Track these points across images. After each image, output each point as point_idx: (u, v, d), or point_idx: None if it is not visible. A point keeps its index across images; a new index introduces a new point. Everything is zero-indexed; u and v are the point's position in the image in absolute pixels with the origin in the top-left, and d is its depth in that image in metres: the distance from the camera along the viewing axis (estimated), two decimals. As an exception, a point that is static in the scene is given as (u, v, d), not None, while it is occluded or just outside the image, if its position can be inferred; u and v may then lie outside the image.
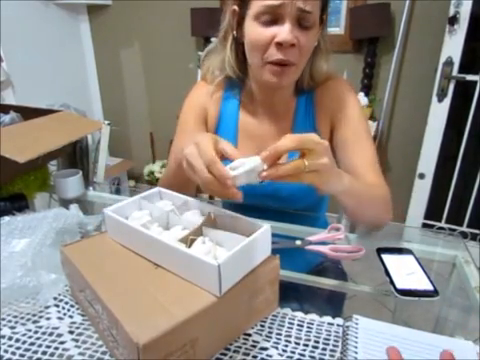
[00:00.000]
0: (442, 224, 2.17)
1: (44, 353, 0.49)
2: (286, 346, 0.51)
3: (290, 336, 0.52)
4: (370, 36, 2.02)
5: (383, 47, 2.07)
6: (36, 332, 0.53)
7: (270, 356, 0.49)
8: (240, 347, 0.50)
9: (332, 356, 0.50)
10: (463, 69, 1.88)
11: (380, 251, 0.69)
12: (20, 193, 0.87)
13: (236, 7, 0.74)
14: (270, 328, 0.54)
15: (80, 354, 0.49)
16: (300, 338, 0.52)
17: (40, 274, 0.58)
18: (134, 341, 0.40)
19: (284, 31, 0.67)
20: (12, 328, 0.53)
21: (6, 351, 0.49)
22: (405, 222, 2.17)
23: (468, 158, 2.02)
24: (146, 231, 0.53)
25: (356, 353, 0.48)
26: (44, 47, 2.43)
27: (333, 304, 0.69)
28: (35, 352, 0.49)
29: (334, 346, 0.51)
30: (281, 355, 0.49)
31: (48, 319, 0.55)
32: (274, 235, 0.56)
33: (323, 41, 0.78)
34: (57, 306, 0.58)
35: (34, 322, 0.54)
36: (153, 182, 2.72)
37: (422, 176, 2.09)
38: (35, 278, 0.58)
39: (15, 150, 0.78)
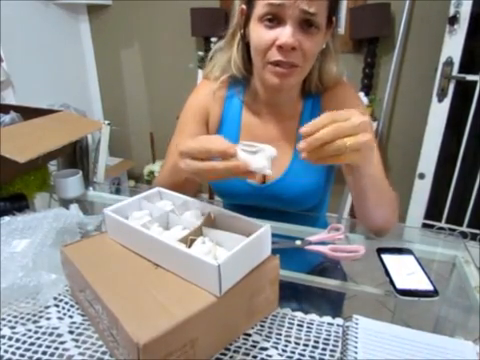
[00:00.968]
0: (442, 224, 2.17)
1: (44, 353, 0.49)
2: (286, 346, 0.51)
3: (290, 336, 0.52)
4: (370, 36, 2.02)
5: (383, 47, 2.07)
6: (36, 332, 0.53)
7: (270, 356, 0.49)
8: (240, 347, 0.50)
9: (332, 356, 0.50)
10: (463, 69, 1.88)
11: (380, 251, 0.69)
12: (20, 193, 0.87)
13: (244, 6, 0.73)
14: (270, 328, 0.54)
15: (80, 354, 0.49)
16: (300, 338, 0.52)
17: (40, 274, 0.59)
18: (134, 341, 0.40)
19: (285, 34, 0.66)
20: (12, 328, 0.53)
21: (6, 351, 0.49)
22: (405, 222, 2.17)
23: (468, 158, 2.02)
24: (146, 231, 0.53)
25: (356, 353, 0.48)
26: (44, 47, 2.43)
27: (333, 304, 0.69)
28: (35, 352, 0.49)
29: (334, 346, 0.51)
30: (281, 355, 0.49)
31: (48, 319, 0.55)
32: (274, 235, 0.56)
33: (332, 44, 0.77)
34: (57, 306, 0.58)
35: (34, 322, 0.54)
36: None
37: (422, 176, 2.09)
38: (35, 278, 0.58)
39: (15, 150, 0.78)
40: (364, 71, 2.12)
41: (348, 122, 0.51)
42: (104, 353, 0.49)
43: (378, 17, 1.95)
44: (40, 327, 0.53)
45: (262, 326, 0.54)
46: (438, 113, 1.96)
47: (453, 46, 1.84)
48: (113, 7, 2.62)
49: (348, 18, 2.06)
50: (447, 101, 1.94)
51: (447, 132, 1.98)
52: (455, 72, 1.89)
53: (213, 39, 2.30)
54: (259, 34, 0.69)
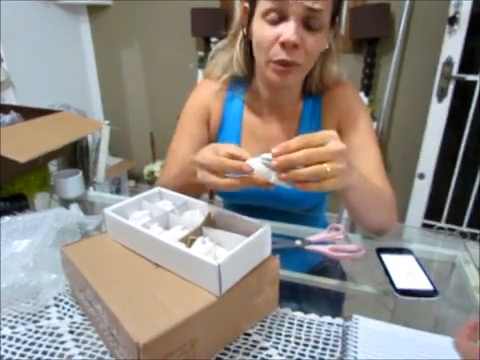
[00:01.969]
0: (442, 224, 2.18)
1: (44, 353, 0.49)
2: (286, 346, 0.51)
3: (290, 336, 0.52)
4: (370, 36, 2.02)
5: (383, 47, 2.07)
6: (36, 332, 0.53)
7: (270, 356, 0.49)
8: (240, 347, 0.51)
9: (332, 356, 0.50)
10: (463, 69, 1.88)
11: (380, 251, 0.69)
12: (20, 193, 0.87)
13: (247, 4, 0.73)
14: (270, 328, 0.54)
15: (80, 354, 0.49)
16: (300, 338, 0.52)
17: (40, 274, 0.59)
18: (134, 341, 0.40)
19: (288, 31, 0.65)
20: (12, 328, 0.53)
21: (6, 351, 0.49)
22: (405, 222, 2.17)
23: (468, 158, 2.02)
24: (146, 231, 0.54)
25: (356, 353, 0.48)
26: (44, 47, 2.43)
27: (333, 304, 0.69)
28: (35, 352, 0.49)
29: (334, 346, 0.51)
30: (281, 355, 0.49)
31: (48, 319, 0.55)
32: (274, 235, 0.56)
33: (335, 44, 0.77)
34: (57, 306, 0.58)
35: (34, 322, 0.55)
36: (153, 182, 2.72)
37: (422, 176, 2.09)
38: (35, 278, 0.58)
39: (15, 150, 0.78)
40: (364, 71, 2.12)
41: (323, 148, 0.50)
42: (104, 353, 0.49)
43: (378, 17, 1.95)
44: (40, 327, 0.54)
45: (262, 326, 0.54)
46: (438, 113, 1.96)
47: (453, 46, 1.84)
48: (113, 7, 2.62)
49: (348, 18, 2.06)
50: (447, 101, 1.94)
51: (447, 132, 1.98)
52: (455, 72, 1.89)
53: (213, 39, 2.30)
54: (262, 30, 0.68)
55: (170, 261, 0.51)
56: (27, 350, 0.50)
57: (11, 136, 0.84)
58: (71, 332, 0.53)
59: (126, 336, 0.41)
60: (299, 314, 0.57)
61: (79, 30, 2.71)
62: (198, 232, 0.56)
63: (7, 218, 0.72)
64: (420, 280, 0.62)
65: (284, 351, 0.50)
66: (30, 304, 0.58)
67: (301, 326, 0.54)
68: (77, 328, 0.53)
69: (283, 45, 0.66)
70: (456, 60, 1.86)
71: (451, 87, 1.92)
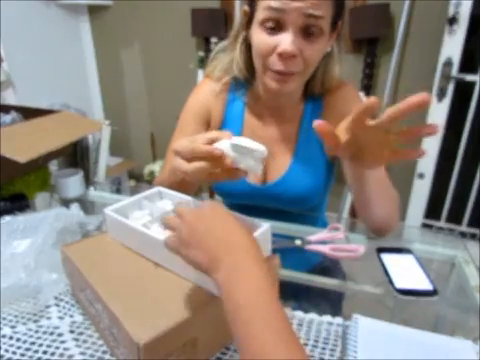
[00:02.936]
0: (442, 224, 2.18)
1: (45, 352, 0.49)
2: (286, 345, 0.51)
3: (290, 335, 0.53)
4: (370, 36, 2.02)
5: (383, 47, 2.07)
6: (37, 331, 0.53)
7: (270, 355, 0.49)
8: (240, 346, 0.51)
9: (332, 355, 0.50)
10: (463, 69, 1.88)
11: (380, 251, 0.70)
12: (21, 193, 0.87)
13: (247, 7, 0.72)
14: (270, 327, 0.54)
15: (81, 353, 0.49)
16: (300, 337, 0.52)
17: (41, 274, 0.59)
18: (134, 341, 0.40)
19: (285, 42, 0.64)
20: (13, 327, 0.53)
21: (7, 350, 0.49)
22: (405, 222, 2.17)
23: (467, 158, 2.02)
24: (146, 231, 0.54)
25: (356, 352, 0.49)
26: (44, 47, 2.43)
27: (333, 303, 0.69)
28: (36, 351, 0.49)
29: (334, 345, 0.51)
30: (281, 354, 0.49)
31: (49, 318, 0.55)
32: (274, 235, 0.56)
33: (337, 47, 0.76)
34: (58, 306, 0.58)
35: (35, 321, 0.55)
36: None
37: (421, 176, 2.09)
38: (36, 278, 0.58)
39: (15, 150, 0.78)
40: (364, 71, 2.12)
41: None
42: (104, 353, 0.49)
43: (378, 17, 1.95)
44: (41, 326, 0.54)
45: (262, 325, 0.54)
46: (437, 113, 1.96)
47: (452, 46, 1.84)
48: (113, 7, 2.62)
49: (348, 18, 2.06)
50: (446, 101, 1.94)
51: (446, 132, 1.98)
52: (454, 72, 1.89)
53: (213, 39, 2.30)
54: (260, 39, 0.68)
55: (170, 261, 0.51)
56: (27, 350, 0.50)
57: (11, 136, 0.84)
58: (71, 332, 0.53)
59: (126, 336, 0.41)
60: (299, 313, 0.57)
61: (79, 30, 2.71)
62: (198, 232, 0.56)
63: (7, 218, 0.72)
64: (420, 280, 0.62)
65: (284, 351, 0.50)
66: (30, 304, 0.58)
67: (301, 325, 0.55)
68: (77, 328, 0.53)
69: (280, 55, 0.66)
70: (456, 60, 1.86)
71: (451, 87, 1.92)
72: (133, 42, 2.66)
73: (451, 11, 1.79)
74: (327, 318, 0.56)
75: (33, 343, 0.51)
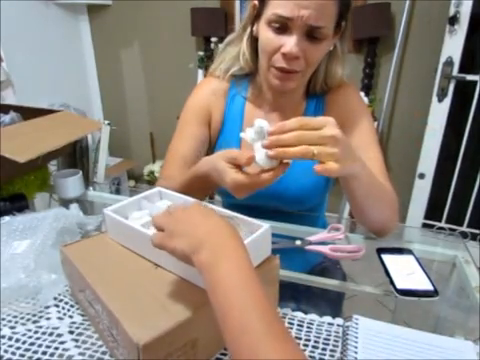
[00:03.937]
0: (442, 224, 2.17)
1: (44, 353, 0.49)
2: (286, 346, 0.51)
3: (290, 336, 0.52)
4: (370, 36, 2.02)
5: (383, 47, 2.07)
6: (36, 332, 0.53)
7: (270, 356, 0.49)
8: (240, 347, 0.50)
9: (332, 356, 0.50)
10: (463, 69, 1.88)
11: (380, 251, 0.69)
12: (20, 193, 0.87)
13: (256, 2, 0.74)
14: (270, 328, 0.54)
15: (80, 354, 0.49)
16: (300, 338, 0.52)
17: (40, 274, 0.59)
18: (134, 341, 0.40)
19: (290, 44, 0.67)
20: (12, 328, 0.53)
21: (6, 351, 0.49)
22: (405, 222, 2.17)
23: (468, 158, 2.02)
24: (146, 231, 0.53)
25: (356, 353, 0.48)
26: (44, 47, 2.43)
27: (333, 304, 0.69)
28: (35, 352, 0.49)
29: (334, 346, 0.51)
30: (281, 355, 0.49)
31: (48, 319, 0.55)
32: (274, 235, 0.56)
33: (340, 46, 0.78)
34: (57, 306, 0.58)
35: (34, 322, 0.55)
36: (153, 182, 2.72)
37: (422, 176, 2.09)
38: (35, 278, 0.58)
39: (15, 150, 0.78)
40: (364, 71, 2.12)
41: (316, 132, 0.52)
42: (104, 353, 0.49)
43: (378, 17, 1.95)
44: (40, 327, 0.54)
45: (262, 326, 0.54)
46: (438, 113, 1.96)
47: (453, 46, 1.84)
48: (113, 7, 2.62)
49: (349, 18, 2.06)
50: (447, 101, 1.94)
51: (447, 132, 1.98)
52: (455, 72, 1.88)
53: (213, 39, 2.30)
54: (266, 37, 0.71)
55: (170, 261, 0.51)
56: (27, 350, 0.50)
57: (11, 136, 0.84)
58: (71, 332, 0.53)
59: (126, 336, 0.41)
60: (299, 314, 0.57)
61: (79, 30, 2.71)
62: (198, 232, 0.56)
63: (7, 218, 0.72)
64: (420, 280, 0.62)
65: (284, 351, 0.50)
66: (30, 304, 0.58)
67: (301, 326, 0.54)
68: (77, 328, 0.53)
69: (284, 55, 0.69)
70: (456, 60, 1.86)
71: (451, 87, 1.91)
72: (133, 42, 2.66)
73: (452, 11, 1.79)
74: (327, 319, 0.56)
75: (32, 344, 0.51)
